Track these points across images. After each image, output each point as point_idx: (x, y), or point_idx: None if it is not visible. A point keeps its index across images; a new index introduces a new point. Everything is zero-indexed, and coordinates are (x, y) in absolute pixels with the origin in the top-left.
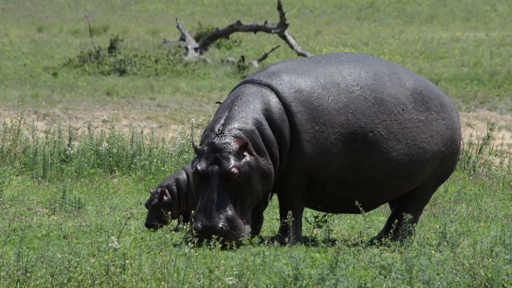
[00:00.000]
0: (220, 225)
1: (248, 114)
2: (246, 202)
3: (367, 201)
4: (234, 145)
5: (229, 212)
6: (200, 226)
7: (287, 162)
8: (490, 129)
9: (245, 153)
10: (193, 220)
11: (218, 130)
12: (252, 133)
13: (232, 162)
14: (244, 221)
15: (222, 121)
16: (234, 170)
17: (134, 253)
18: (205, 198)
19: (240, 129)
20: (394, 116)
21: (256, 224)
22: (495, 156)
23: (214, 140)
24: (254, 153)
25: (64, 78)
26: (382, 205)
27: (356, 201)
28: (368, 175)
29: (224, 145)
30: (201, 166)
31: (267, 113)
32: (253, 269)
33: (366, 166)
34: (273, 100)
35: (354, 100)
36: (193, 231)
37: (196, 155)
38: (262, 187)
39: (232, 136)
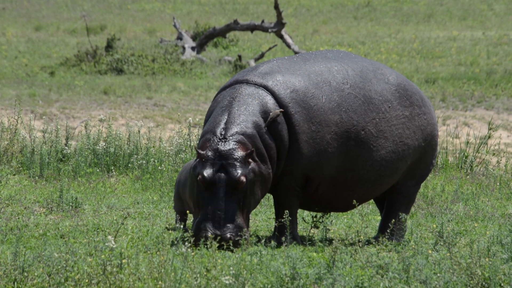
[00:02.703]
0: (229, 235)
1: (248, 118)
2: (250, 207)
3: (356, 199)
4: (240, 152)
5: (238, 220)
6: (209, 235)
7: (284, 163)
8: (491, 129)
9: (250, 160)
10: (198, 227)
11: (221, 134)
12: (254, 137)
13: (240, 170)
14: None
15: (222, 125)
16: (243, 178)
17: (131, 253)
18: (213, 206)
19: (242, 134)
20: (382, 114)
21: None
22: (492, 155)
23: (218, 146)
24: (257, 158)
25: (61, 77)
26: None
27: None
28: (359, 173)
29: (230, 151)
30: (207, 173)
31: (265, 116)
32: (250, 269)
33: (358, 164)
34: (270, 102)
35: (346, 98)
36: (201, 239)
37: (198, 160)
38: (262, 192)
39: (235, 141)
